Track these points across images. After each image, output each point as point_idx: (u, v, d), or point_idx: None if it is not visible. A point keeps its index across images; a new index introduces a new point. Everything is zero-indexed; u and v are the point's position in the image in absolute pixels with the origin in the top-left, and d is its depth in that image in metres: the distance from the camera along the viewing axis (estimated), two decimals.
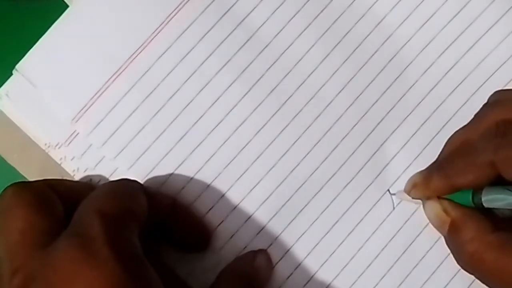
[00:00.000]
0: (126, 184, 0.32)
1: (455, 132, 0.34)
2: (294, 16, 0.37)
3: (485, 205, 0.31)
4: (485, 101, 0.34)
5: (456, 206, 0.32)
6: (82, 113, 0.35)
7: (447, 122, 0.37)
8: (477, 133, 0.32)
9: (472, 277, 0.32)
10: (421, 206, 0.36)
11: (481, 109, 0.34)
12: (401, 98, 0.37)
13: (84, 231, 0.28)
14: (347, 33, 0.37)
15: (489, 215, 0.32)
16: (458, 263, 0.32)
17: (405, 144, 0.37)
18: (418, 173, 0.34)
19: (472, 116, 0.34)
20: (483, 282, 0.31)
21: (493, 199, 0.31)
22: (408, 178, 0.35)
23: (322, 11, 0.37)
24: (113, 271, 0.27)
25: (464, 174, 0.32)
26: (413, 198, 0.34)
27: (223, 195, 0.36)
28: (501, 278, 0.30)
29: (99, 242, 0.27)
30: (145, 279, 0.28)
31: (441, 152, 0.35)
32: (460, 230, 0.31)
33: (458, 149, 0.33)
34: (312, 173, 0.36)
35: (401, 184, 0.36)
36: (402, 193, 0.35)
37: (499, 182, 0.31)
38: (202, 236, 0.35)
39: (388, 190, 0.37)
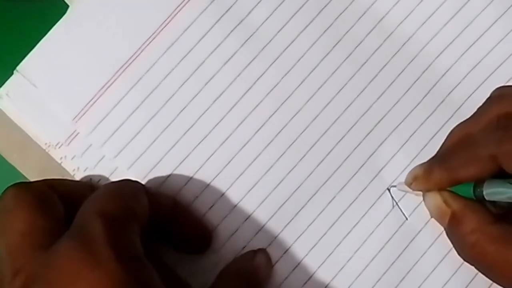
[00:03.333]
0: (127, 185, 0.32)
1: (456, 126, 0.34)
2: (293, 15, 0.37)
3: (487, 198, 0.31)
4: (487, 98, 0.35)
5: (457, 198, 0.32)
6: (83, 113, 0.35)
7: (446, 122, 0.37)
8: (478, 127, 0.32)
9: (472, 273, 0.33)
10: (420, 201, 0.36)
11: (484, 103, 0.34)
12: (400, 97, 0.37)
13: (86, 232, 0.28)
14: (347, 32, 0.37)
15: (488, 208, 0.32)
16: (459, 254, 0.32)
17: (404, 144, 0.37)
18: (419, 165, 0.34)
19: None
20: (484, 273, 0.31)
21: (495, 192, 0.31)
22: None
23: (321, 10, 0.37)
24: (115, 271, 0.27)
25: (465, 167, 0.32)
26: (413, 190, 0.34)
27: (222, 195, 0.36)
28: (501, 269, 0.30)
29: (100, 243, 0.27)
30: (146, 279, 0.28)
31: (442, 145, 0.35)
32: (461, 221, 0.32)
33: (459, 143, 0.33)
34: (311, 173, 0.36)
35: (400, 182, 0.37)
36: (402, 185, 0.35)
37: (500, 175, 0.31)
38: (203, 238, 0.35)
39: (388, 189, 0.37)
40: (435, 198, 0.33)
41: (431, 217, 0.34)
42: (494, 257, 0.30)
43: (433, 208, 0.33)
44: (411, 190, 0.35)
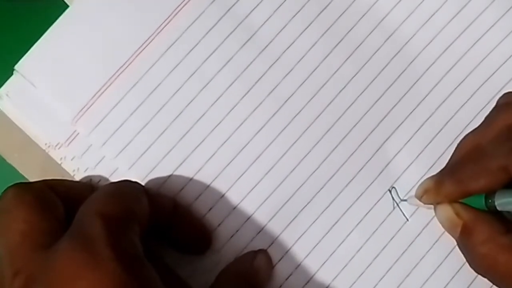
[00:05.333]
0: (127, 186, 0.32)
1: (465, 137, 0.34)
2: (294, 16, 0.37)
3: (499, 208, 0.31)
4: (488, 101, 0.35)
5: (468, 209, 0.32)
6: (82, 113, 0.35)
7: (448, 121, 0.37)
8: (488, 138, 0.32)
9: (474, 274, 0.32)
10: (420, 207, 0.36)
11: (491, 112, 0.34)
12: (402, 97, 0.37)
13: (86, 233, 0.28)
14: (348, 33, 0.37)
15: (500, 218, 0.32)
16: (470, 265, 0.32)
17: (405, 144, 0.37)
18: (429, 178, 0.34)
19: (475, 115, 0.34)
20: (496, 284, 0.31)
21: (507, 202, 0.31)
22: (408, 177, 0.36)
23: (322, 11, 0.37)
24: (115, 272, 0.27)
25: (476, 179, 0.32)
26: (424, 203, 0.34)
27: (223, 195, 0.36)
28: None
29: (100, 244, 0.27)
30: (146, 280, 0.28)
31: (451, 157, 0.35)
32: (472, 232, 0.31)
33: (469, 154, 0.33)
34: (312, 173, 0.36)
35: (401, 183, 0.37)
36: (413, 198, 0.35)
37: (511, 185, 0.31)
38: (203, 238, 0.35)
39: (389, 190, 0.37)
40: (447, 210, 0.33)
41: (444, 229, 0.34)
42: (506, 268, 0.30)
43: (444, 220, 0.33)
44: (422, 204, 0.34)
